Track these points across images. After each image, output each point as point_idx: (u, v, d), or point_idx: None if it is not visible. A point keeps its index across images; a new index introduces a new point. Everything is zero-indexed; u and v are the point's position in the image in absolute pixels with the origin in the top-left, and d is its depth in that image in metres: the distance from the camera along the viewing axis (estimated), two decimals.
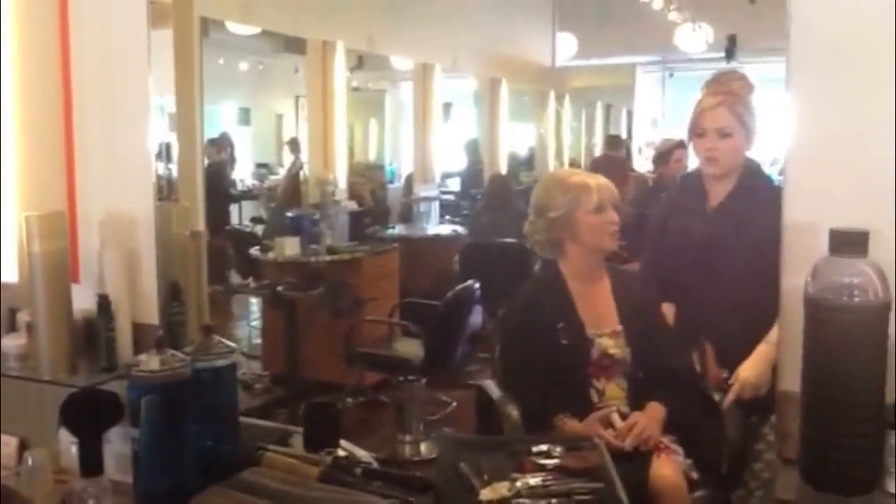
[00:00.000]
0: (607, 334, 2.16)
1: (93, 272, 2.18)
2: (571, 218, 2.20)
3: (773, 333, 1.94)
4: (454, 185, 6.06)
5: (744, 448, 2.03)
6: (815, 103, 1.52)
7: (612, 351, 2.15)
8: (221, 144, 5.38)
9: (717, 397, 2.07)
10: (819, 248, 1.34)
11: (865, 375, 1.28)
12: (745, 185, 2.19)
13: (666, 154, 3.29)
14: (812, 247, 1.38)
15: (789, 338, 1.47)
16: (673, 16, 4.16)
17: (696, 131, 2.22)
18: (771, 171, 2.22)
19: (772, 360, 1.91)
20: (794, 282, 1.41)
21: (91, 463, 1.52)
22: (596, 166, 4.13)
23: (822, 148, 1.52)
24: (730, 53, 2.93)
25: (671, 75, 4.74)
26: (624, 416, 2.09)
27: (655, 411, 2.08)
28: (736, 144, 2.19)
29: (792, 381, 1.43)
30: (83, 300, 2.14)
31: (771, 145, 2.27)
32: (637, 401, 2.11)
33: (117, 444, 1.61)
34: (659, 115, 4.90)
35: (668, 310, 2.23)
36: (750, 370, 2.03)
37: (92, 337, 2.11)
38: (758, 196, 2.11)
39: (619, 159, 4.34)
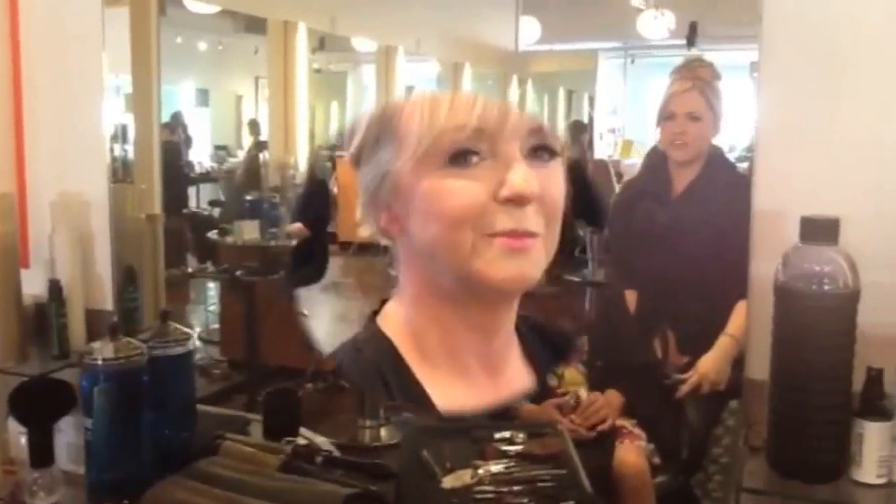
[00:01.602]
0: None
1: (43, 256, 2.12)
2: None
3: (733, 325, 1.96)
4: None
5: (704, 433, 2.05)
6: (786, 89, 1.52)
7: None
8: (173, 126, 5.29)
9: (677, 384, 2.08)
10: (789, 236, 1.34)
11: (833, 363, 1.29)
12: (710, 172, 2.18)
13: None
14: (782, 234, 1.38)
15: (757, 326, 1.47)
16: (636, 1, 4.15)
17: (666, 115, 2.22)
18: (729, 157, 2.23)
19: (731, 354, 1.93)
20: (764, 270, 1.41)
21: (41, 453, 1.48)
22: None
23: (793, 135, 1.51)
24: (690, 41, 2.92)
25: (632, 62, 4.73)
26: None
27: (613, 398, 2.09)
28: (704, 129, 2.19)
29: (759, 370, 1.43)
30: (33, 285, 2.08)
31: (729, 133, 2.29)
32: (598, 386, 2.12)
33: (69, 433, 1.57)
34: (619, 101, 4.90)
35: (631, 296, 2.23)
36: (710, 364, 2.04)
37: (43, 323, 2.05)
38: (722, 183, 2.12)
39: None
